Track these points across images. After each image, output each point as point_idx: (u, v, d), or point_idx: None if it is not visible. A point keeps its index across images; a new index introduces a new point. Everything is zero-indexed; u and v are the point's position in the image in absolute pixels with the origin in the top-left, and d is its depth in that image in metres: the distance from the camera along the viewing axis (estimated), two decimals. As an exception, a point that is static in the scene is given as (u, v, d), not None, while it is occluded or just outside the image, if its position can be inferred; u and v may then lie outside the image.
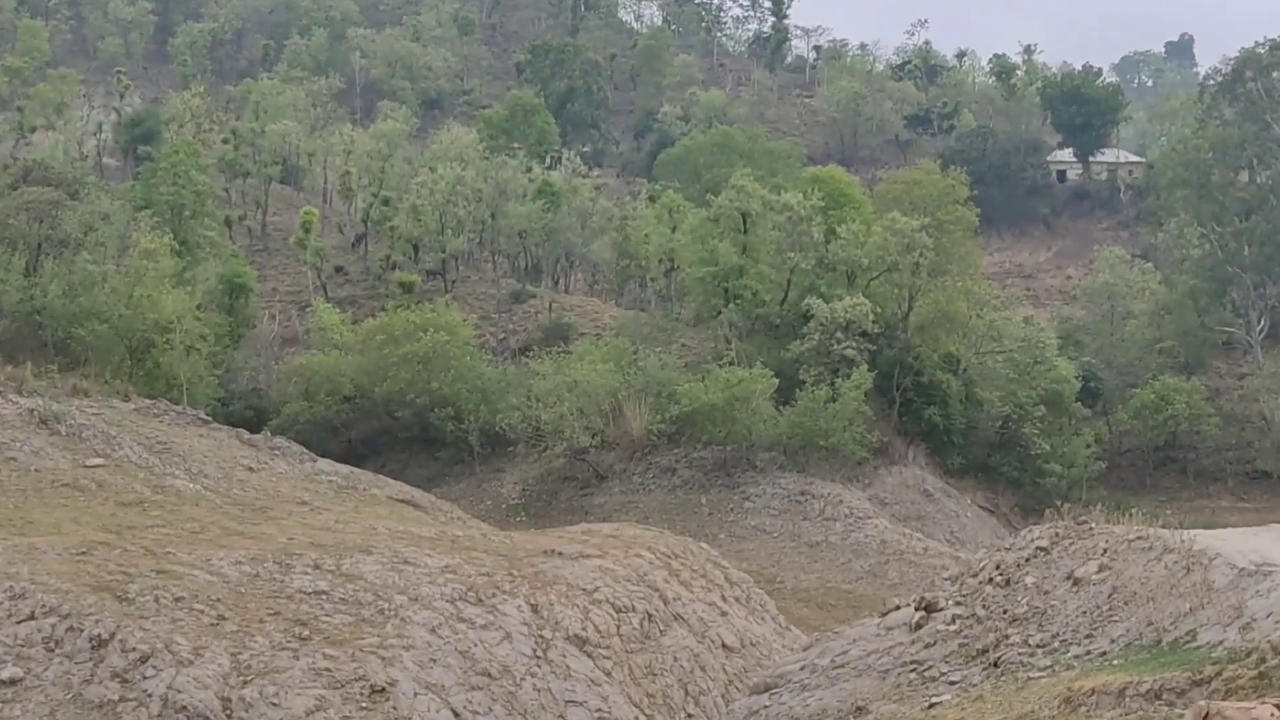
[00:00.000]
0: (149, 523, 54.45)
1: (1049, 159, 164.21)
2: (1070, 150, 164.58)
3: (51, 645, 46.04)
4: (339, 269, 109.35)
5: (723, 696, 52.06)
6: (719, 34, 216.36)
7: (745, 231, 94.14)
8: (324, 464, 69.12)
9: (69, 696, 44.38)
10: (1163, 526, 33.22)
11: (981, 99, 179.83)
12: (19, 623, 45.85)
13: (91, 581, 47.97)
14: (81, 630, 46.13)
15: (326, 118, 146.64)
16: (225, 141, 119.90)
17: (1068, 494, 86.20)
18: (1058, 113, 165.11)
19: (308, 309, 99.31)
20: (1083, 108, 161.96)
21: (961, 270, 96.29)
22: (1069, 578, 32.00)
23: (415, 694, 46.84)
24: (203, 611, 48.05)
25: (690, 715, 51.52)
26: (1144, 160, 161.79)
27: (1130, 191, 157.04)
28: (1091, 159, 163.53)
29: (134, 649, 45.62)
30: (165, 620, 47.14)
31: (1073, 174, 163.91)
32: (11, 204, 74.42)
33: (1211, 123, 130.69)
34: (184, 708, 44.37)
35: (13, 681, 44.59)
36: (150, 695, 44.71)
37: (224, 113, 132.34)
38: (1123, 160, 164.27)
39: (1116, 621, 29.40)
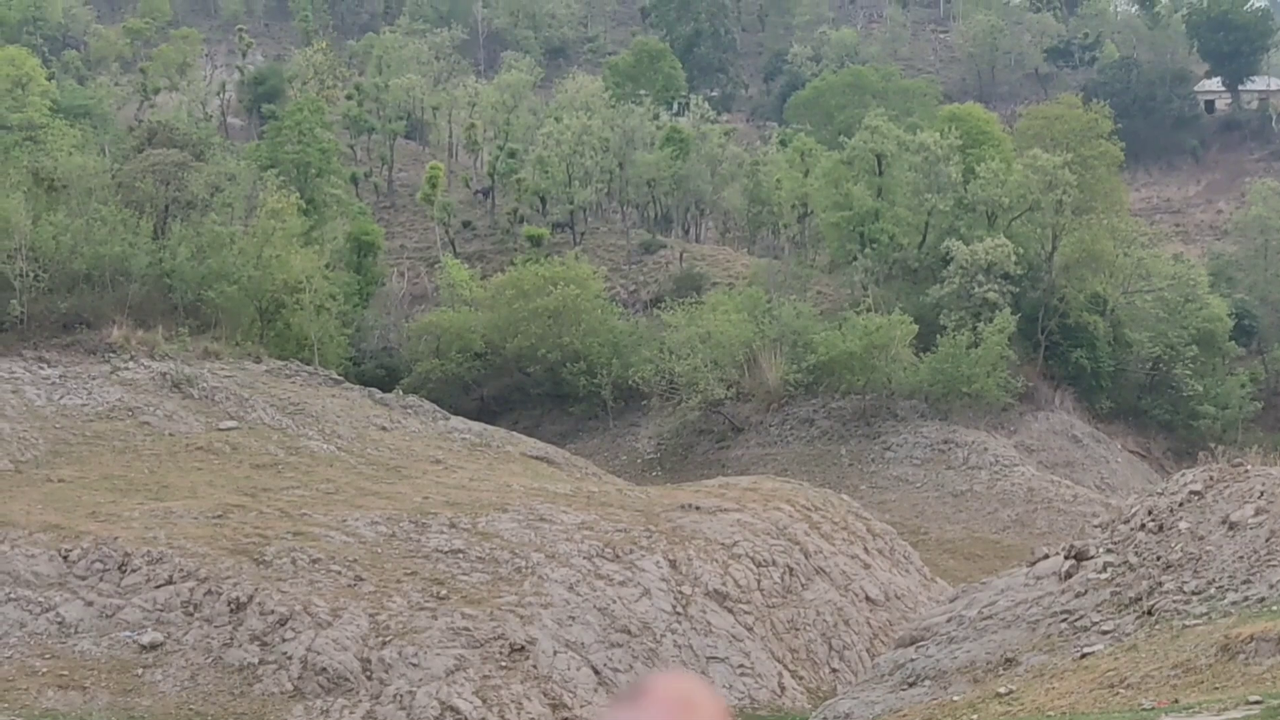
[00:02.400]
0: (284, 484, 54.78)
1: (1196, 89, 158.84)
2: (1218, 79, 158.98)
3: (190, 609, 46.47)
4: (466, 224, 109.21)
5: (868, 650, 51.14)
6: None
7: (880, 174, 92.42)
8: (457, 422, 69.19)
9: (209, 660, 44.73)
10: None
11: (1124, 28, 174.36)
12: (158, 587, 46.37)
13: (228, 545, 48.33)
14: (220, 594, 46.50)
15: (450, 70, 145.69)
16: (349, 97, 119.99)
17: (1222, 436, 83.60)
18: (1204, 40, 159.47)
19: (436, 265, 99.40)
20: (1230, 34, 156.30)
21: (1107, 207, 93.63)
22: (1224, 522, 31.20)
23: (555, 652, 46.57)
24: (340, 573, 48.18)
25: (835, 670, 50.68)
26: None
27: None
28: (1241, 88, 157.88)
29: (272, 611, 45.88)
30: (303, 582, 47.35)
31: (1221, 104, 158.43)
32: (138, 166, 75.08)
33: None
34: (324, 669, 44.53)
35: (154, 646, 45.08)
36: (290, 657, 44.93)
37: (347, 68, 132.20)
38: (1274, 88, 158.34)
39: (1275, 566, 28.61)
